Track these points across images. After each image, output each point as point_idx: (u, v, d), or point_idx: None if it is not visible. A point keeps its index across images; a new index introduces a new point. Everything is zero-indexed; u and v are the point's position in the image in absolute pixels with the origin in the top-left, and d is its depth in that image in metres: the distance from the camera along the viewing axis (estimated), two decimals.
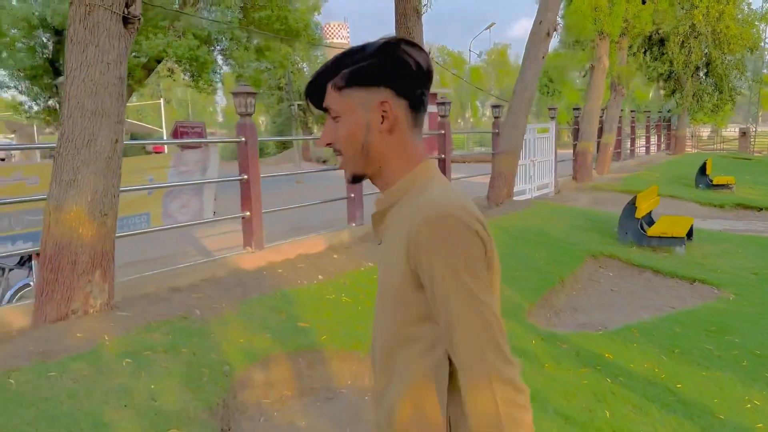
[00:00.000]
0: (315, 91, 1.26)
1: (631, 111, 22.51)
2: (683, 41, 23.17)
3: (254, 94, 6.48)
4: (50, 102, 17.25)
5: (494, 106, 11.93)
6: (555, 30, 10.30)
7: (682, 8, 21.76)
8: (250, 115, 6.40)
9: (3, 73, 17.41)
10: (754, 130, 31.99)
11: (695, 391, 4.21)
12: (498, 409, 1.05)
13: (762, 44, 24.63)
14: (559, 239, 8.12)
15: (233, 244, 8.64)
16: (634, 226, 8.17)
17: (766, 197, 13.89)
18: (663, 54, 23.55)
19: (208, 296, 4.82)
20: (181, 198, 6.18)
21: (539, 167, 13.06)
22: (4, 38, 16.98)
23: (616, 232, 8.60)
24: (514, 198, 10.88)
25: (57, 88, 16.00)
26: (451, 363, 1.13)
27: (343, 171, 1.28)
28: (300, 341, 4.20)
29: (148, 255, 7.62)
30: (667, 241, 7.93)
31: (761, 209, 12.71)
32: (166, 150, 20.09)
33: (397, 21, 7.86)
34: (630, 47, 19.22)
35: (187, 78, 17.13)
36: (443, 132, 10.38)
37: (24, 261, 5.78)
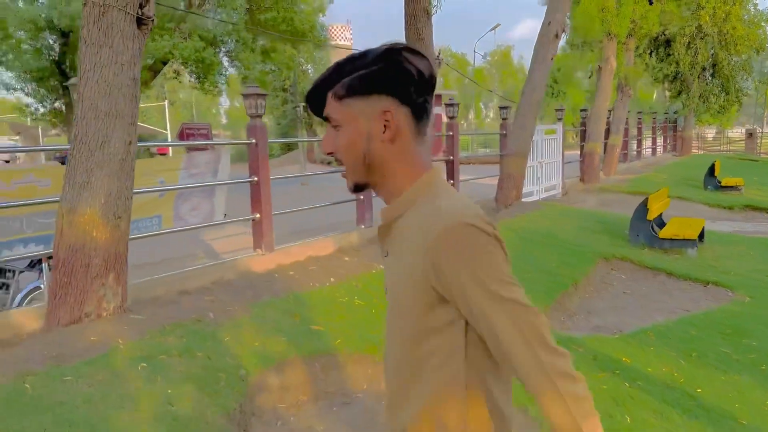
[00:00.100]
0: (315, 100, 1.23)
1: (638, 112, 22.43)
2: (689, 42, 23.08)
3: (264, 95, 6.45)
4: (56, 104, 17.28)
5: (502, 108, 11.88)
6: (563, 31, 10.25)
7: (689, 9, 21.67)
8: (260, 116, 6.36)
9: (9, 75, 17.45)
10: (760, 131, 31.87)
11: (715, 395, 4.16)
12: (569, 408, 1.04)
13: None
14: (570, 241, 8.06)
15: (241, 247, 8.61)
16: (646, 227, 8.12)
17: None
18: (669, 55, 23.47)
19: (220, 299, 4.79)
20: (192, 200, 6.14)
21: (546, 169, 13.00)
22: (9, 40, 17.01)
23: (627, 234, 8.54)
24: (522, 200, 10.83)
25: (64, 89, 16.00)
26: (466, 374, 1.12)
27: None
28: (314, 345, 4.16)
29: (156, 257, 7.58)
30: (679, 243, 7.87)
31: None
32: (170, 152, 20.10)
33: (406, 22, 7.81)
34: (636, 48, 19.14)
35: (192, 80, 17.13)
36: (451, 133, 10.34)
37: (34, 264, 5.75)
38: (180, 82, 19.72)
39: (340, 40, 31.26)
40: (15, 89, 17.90)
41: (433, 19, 7.86)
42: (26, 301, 5.55)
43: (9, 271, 5.71)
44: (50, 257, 5.32)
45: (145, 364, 3.51)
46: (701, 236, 8.30)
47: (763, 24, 23.69)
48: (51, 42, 16.75)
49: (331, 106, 1.19)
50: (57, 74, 16.78)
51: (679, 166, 20.42)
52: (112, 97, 3.95)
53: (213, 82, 16.58)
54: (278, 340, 4.12)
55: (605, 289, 6.86)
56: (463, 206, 1.11)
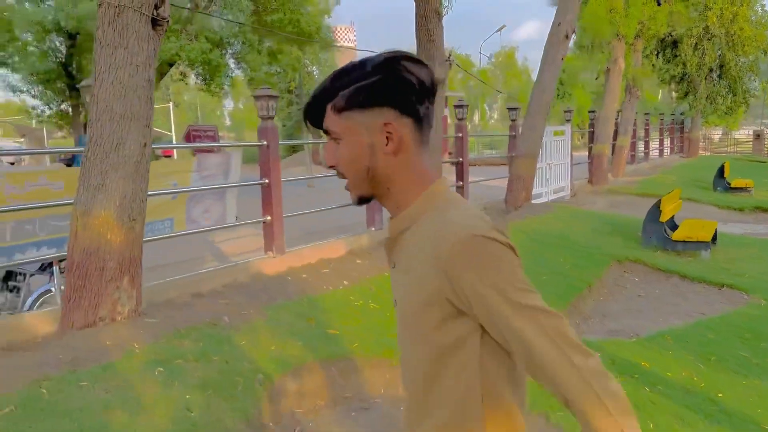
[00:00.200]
0: (314, 112, 1.18)
1: (646, 113, 22.35)
2: (696, 43, 22.99)
3: (276, 97, 6.41)
4: (63, 106, 17.30)
5: (511, 109, 11.83)
6: (573, 32, 10.19)
7: (696, 10, 21.59)
8: (272, 118, 6.32)
9: (16, 77, 17.47)
10: None
11: (736, 400, 4.10)
12: (609, 408, 1.00)
13: None
14: (583, 243, 8.00)
15: (251, 248, 8.57)
16: (659, 230, 8.05)
17: None
18: (676, 56, 23.38)
19: (234, 302, 4.74)
20: (204, 203, 6.11)
21: (555, 170, 12.94)
22: (16, 42, 17.03)
23: (639, 236, 8.48)
24: (532, 201, 10.77)
25: (71, 91, 16.01)
26: (482, 386, 1.10)
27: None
28: (331, 349, 4.11)
29: (166, 260, 7.55)
30: (693, 245, 7.81)
31: None
32: (175, 154, 20.09)
33: (417, 23, 7.77)
34: (643, 49, 19.07)
35: (199, 81, 17.13)
36: (460, 135, 10.30)
37: (45, 267, 5.72)
38: (186, 84, 19.73)
39: (344, 42, 31.25)
40: (22, 91, 17.93)
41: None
42: (37, 304, 5.51)
43: (20, 274, 5.68)
44: (61, 260, 5.29)
45: (161, 369, 3.47)
46: (714, 238, 8.23)
47: None
48: (57, 44, 16.76)
49: (331, 119, 1.15)
50: (64, 76, 16.79)
51: (687, 168, 20.33)
52: (127, 99, 3.91)
53: (219, 83, 16.59)
54: (294, 344, 4.07)
55: (619, 292, 6.80)
56: (474, 218, 1.08)
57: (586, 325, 5.70)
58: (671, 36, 22.42)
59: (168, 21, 4.09)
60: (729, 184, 14.84)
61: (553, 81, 10.30)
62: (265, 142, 6.29)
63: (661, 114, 24.83)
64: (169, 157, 18.80)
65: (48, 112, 18.07)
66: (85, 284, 3.97)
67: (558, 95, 35.67)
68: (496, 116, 74.40)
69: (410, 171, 1.15)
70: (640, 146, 21.34)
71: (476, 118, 58.71)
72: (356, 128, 1.12)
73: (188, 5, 14.97)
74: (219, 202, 6.30)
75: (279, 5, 16.10)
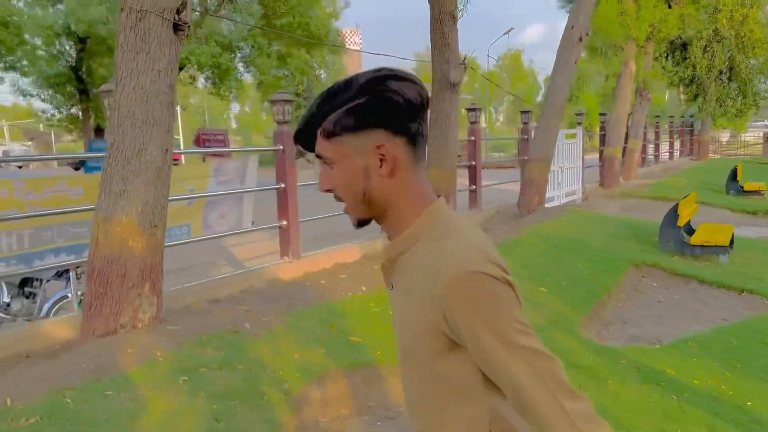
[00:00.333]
0: (306, 138, 1.15)
1: (656, 116, 22.25)
2: (706, 45, 22.87)
3: (291, 101, 6.39)
4: (73, 110, 17.34)
5: (523, 112, 11.78)
6: (587, 35, 10.13)
7: (706, 12, 21.48)
8: (288, 122, 6.30)
9: (26, 81, 17.55)
10: None
11: (766, 409, 4.03)
12: None
13: None
14: (599, 248, 7.93)
15: (264, 253, 8.55)
16: (676, 234, 7.98)
17: None
18: (686, 58, 23.26)
19: (254, 309, 4.70)
20: (220, 208, 6.07)
21: (567, 174, 12.87)
22: (25, 46, 17.10)
23: (656, 241, 8.40)
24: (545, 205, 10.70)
25: (81, 95, 16.07)
26: (489, 410, 1.08)
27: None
28: (354, 357, 4.06)
29: (180, 264, 7.52)
30: (711, 249, 7.73)
31: None
32: (183, 159, 20.08)
33: (432, 26, 7.74)
34: (653, 52, 18.98)
35: (208, 85, 17.15)
36: (473, 138, 10.25)
37: (61, 272, 5.69)
38: (195, 87, 19.77)
39: (350, 45, 31.30)
40: (32, 95, 17.99)
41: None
42: (54, 310, 5.49)
43: (36, 280, 5.66)
44: (77, 267, 5.26)
45: (186, 378, 3.43)
46: (731, 242, 8.14)
47: None
48: (67, 48, 16.82)
49: (322, 145, 1.12)
50: (74, 80, 16.84)
51: (698, 171, 20.22)
52: (149, 105, 3.88)
53: (229, 87, 16.60)
54: (317, 352, 4.02)
55: (638, 297, 6.72)
56: (471, 249, 1.03)
57: (606, 332, 5.63)
58: (680, 38, 22.31)
59: (189, 26, 4.05)
60: (742, 187, 14.73)
61: (566, 84, 10.24)
62: (281, 147, 6.25)
63: (670, 116, 24.72)
64: (176, 161, 18.81)
65: (58, 115, 18.11)
66: (107, 291, 3.93)
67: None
68: (501, 119, 74.38)
69: (407, 192, 1.12)
70: (650, 149, 21.24)
71: (482, 120, 58.70)
72: (348, 152, 1.09)
73: (198, 9, 15.00)
74: (235, 208, 6.27)
75: (288, 9, 16.10)
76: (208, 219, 5.96)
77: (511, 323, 0.99)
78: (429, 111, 7.06)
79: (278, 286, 5.66)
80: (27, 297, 5.64)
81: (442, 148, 7.94)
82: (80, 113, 17.19)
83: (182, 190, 5.54)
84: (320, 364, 3.91)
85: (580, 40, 10.02)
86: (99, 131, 18.06)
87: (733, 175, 15.06)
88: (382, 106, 1.07)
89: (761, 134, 33.93)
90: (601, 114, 15.72)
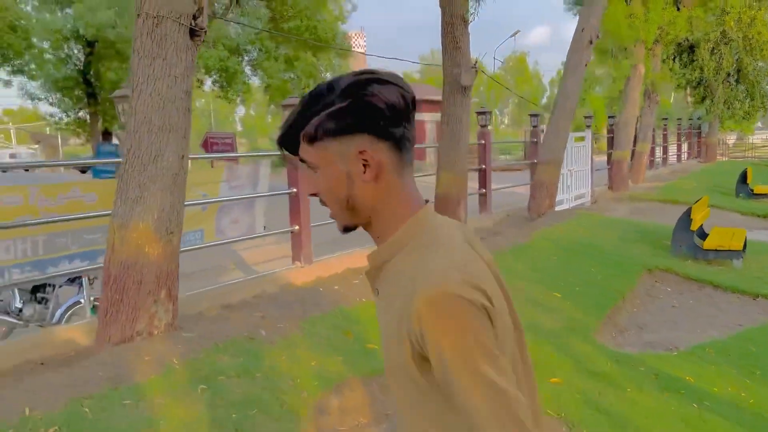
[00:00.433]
0: (289, 143, 1.12)
1: (664, 119, 22.17)
2: (713, 48, 22.76)
3: None
4: (80, 113, 17.39)
5: (532, 115, 11.74)
6: (597, 37, 10.09)
7: (713, 14, 21.39)
8: None
9: (34, 84, 17.61)
10: None
11: None
12: None
13: None
14: (611, 252, 7.88)
15: (274, 257, 8.52)
16: (689, 238, 7.92)
17: None
18: (693, 61, 23.15)
19: (269, 315, 4.67)
20: (233, 213, 6.05)
21: (576, 177, 12.82)
22: (32, 50, 17.15)
23: (667, 244, 8.35)
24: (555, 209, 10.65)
25: (88, 99, 16.12)
26: None
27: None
28: (371, 365, 4.02)
29: (191, 269, 7.50)
30: (725, 254, 7.67)
31: None
32: (189, 164, 20.06)
33: (443, 30, 7.72)
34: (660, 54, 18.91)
35: (215, 88, 17.17)
36: (483, 142, 10.22)
37: (73, 278, 5.68)
38: (202, 90, 19.80)
39: (355, 48, 31.31)
40: (39, 99, 18.04)
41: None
42: (66, 316, 5.47)
43: (48, 285, 5.64)
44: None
45: (204, 386, 3.40)
46: (743, 246, 8.08)
47: None
48: (75, 52, 16.87)
49: (305, 150, 1.09)
50: (82, 84, 16.87)
51: (707, 173, 20.13)
52: (166, 111, 3.86)
53: (236, 90, 16.60)
54: (334, 360, 3.99)
55: (651, 302, 6.67)
56: (452, 266, 0.99)
57: (622, 338, 5.59)
58: (688, 41, 22.21)
59: (205, 31, 4.04)
60: (752, 190, 14.64)
61: (576, 87, 10.20)
62: None
63: (678, 119, 24.64)
64: None
65: (66, 119, 18.15)
66: (123, 298, 3.91)
67: None
68: (507, 121, 74.33)
69: (392, 199, 1.09)
70: (659, 151, 21.16)
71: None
72: (331, 157, 1.07)
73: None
74: (247, 212, 6.25)
75: (296, 12, 16.11)
76: (221, 224, 5.94)
77: (477, 350, 0.95)
78: (441, 112, 6.97)
79: (291, 292, 5.64)
80: (39, 302, 5.62)
81: (453, 151, 7.91)
82: (88, 117, 17.24)
83: (195, 195, 5.52)
84: (337, 371, 3.88)
85: (591, 42, 9.98)
86: (107, 135, 18.12)
87: (743, 178, 14.97)
88: (364, 110, 1.04)
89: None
90: (610, 117, 15.66)
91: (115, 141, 18.78)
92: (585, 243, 8.18)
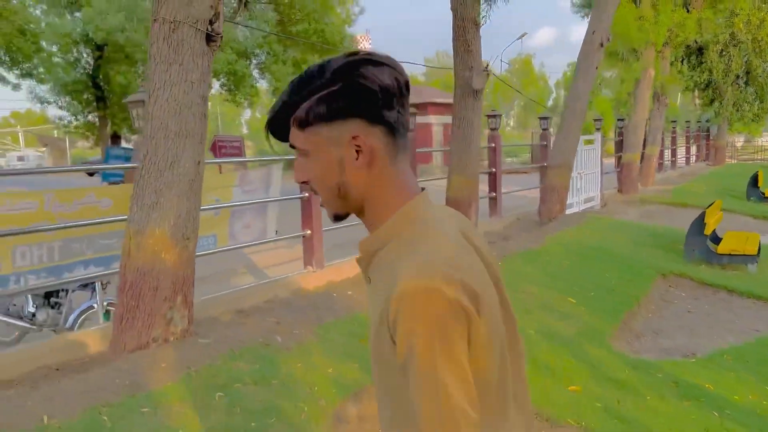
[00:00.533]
0: (277, 128, 1.07)
1: (672, 121, 22.08)
2: (722, 50, 22.66)
3: None
4: (89, 117, 17.44)
5: (542, 118, 11.70)
6: (608, 40, 10.04)
7: (723, 16, 21.29)
8: None
9: (43, 88, 17.66)
10: None
11: None
12: None
13: None
14: (624, 256, 7.83)
15: (284, 260, 8.51)
16: (703, 243, 7.86)
17: None
18: (702, 63, 23.06)
19: (284, 321, 4.65)
20: (245, 218, 6.04)
21: (585, 180, 12.76)
22: (41, 53, 17.22)
23: (680, 249, 8.29)
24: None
25: (97, 102, 16.17)
26: None
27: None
28: None
29: (201, 273, 7.49)
30: (739, 258, 7.61)
31: None
32: None
33: (454, 33, 7.70)
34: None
35: (223, 92, 17.19)
36: (493, 145, 10.18)
37: (86, 283, 5.67)
38: (210, 94, 19.84)
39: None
40: (49, 102, 18.10)
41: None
42: (80, 320, 5.46)
43: (62, 290, 5.63)
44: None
45: (221, 394, 3.38)
46: (758, 251, 8.02)
47: None
48: (85, 56, 16.92)
49: (295, 135, 1.05)
50: (91, 87, 16.92)
51: (716, 176, 20.02)
52: (182, 116, 3.84)
53: (245, 93, 16.62)
54: (351, 367, 3.96)
55: (666, 308, 6.61)
56: (438, 260, 0.95)
57: (639, 344, 5.53)
58: (696, 43, 22.12)
59: (221, 36, 4.02)
60: (763, 193, 14.54)
61: (587, 90, 10.15)
62: None
63: (687, 121, 24.54)
64: None
65: (75, 122, 18.20)
66: (139, 304, 3.90)
67: None
68: (512, 123, 74.21)
69: (385, 186, 1.05)
70: (667, 154, 21.07)
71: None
72: (322, 143, 1.03)
73: None
74: (259, 217, 6.23)
75: (304, 16, 16.13)
76: (234, 229, 5.92)
77: (441, 352, 0.91)
78: (453, 115, 6.93)
79: (304, 297, 5.62)
80: (52, 307, 5.61)
81: (464, 155, 7.89)
82: (97, 120, 17.29)
83: (208, 200, 5.50)
84: (354, 378, 3.85)
85: (602, 45, 9.93)
86: (116, 138, 18.17)
87: (754, 181, 14.87)
88: (357, 94, 1.00)
89: None
90: (619, 119, 15.60)
91: (123, 144, 18.88)
92: (597, 247, 8.12)
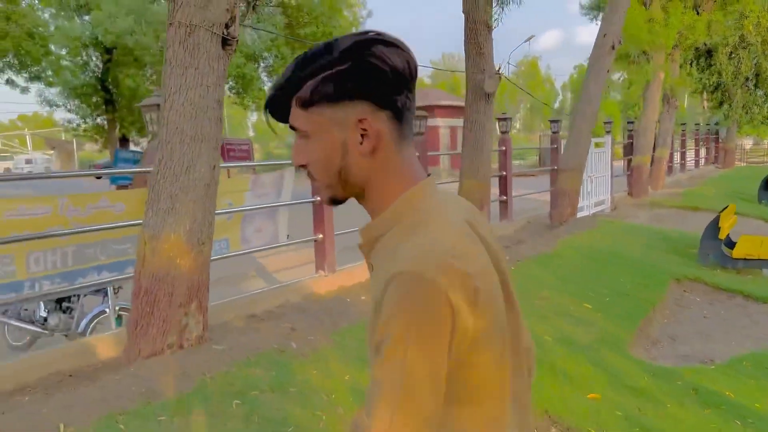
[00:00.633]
0: (277, 107, 1.03)
1: (682, 124, 21.98)
2: (732, 52, 22.57)
3: None
4: (98, 120, 17.48)
5: (553, 121, 11.64)
6: (620, 43, 9.98)
7: (732, 18, 21.20)
8: None
9: (52, 91, 17.72)
10: None
11: None
12: None
13: None
14: (638, 260, 7.76)
15: (294, 264, 8.48)
16: (717, 247, 7.78)
17: None
18: (711, 65, 22.97)
19: (298, 327, 4.61)
20: (257, 222, 6.00)
21: (596, 183, 12.69)
22: (49, 57, 17.27)
23: (692, 252, 8.21)
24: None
25: (105, 105, 16.20)
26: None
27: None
28: None
29: (210, 277, 7.46)
30: (755, 263, 7.53)
31: None
32: None
33: (466, 36, 7.65)
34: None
35: (231, 95, 17.20)
36: (504, 148, 10.13)
37: (98, 287, 5.64)
38: None
39: None
40: (58, 105, 18.14)
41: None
42: (91, 325, 5.43)
43: (73, 295, 5.61)
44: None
45: (238, 401, 3.33)
46: None
47: None
48: (93, 59, 16.96)
49: (297, 115, 1.00)
50: (100, 90, 16.95)
51: (726, 179, 19.90)
52: (198, 120, 3.81)
53: (253, 97, 16.62)
54: (367, 374, 3.90)
55: (682, 313, 6.54)
56: (434, 247, 0.91)
57: (656, 350, 5.46)
58: (705, 45, 22.04)
59: (237, 40, 3.99)
60: None
61: (598, 93, 10.09)
62: None
63: (696, 124, 24.43)
64: None
65: (83, 125, 18.24)
66: (153, 310, 3.86)
67: None
68: (518, 126, 74.10)
69: (389, 172, 1.01)
70: (676, 157, 20.97)
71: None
72: (326, 125, 0.98)
73: None
74: (271, 221, 6.20)
75: (312, 19, 16.13)
76: (245, 233, 5.89)
77: (416, 342, 0.87)
78: (464, 118, 6.88)
79: (317, 302, 5.58)
80: (64, 312, 5.59)
81: (476, 158, 7.84)
82: (106, 123, 17.33)
83: (221, 204, 5.47)
84: None
85: (613, 48, 9.88)
86: (124, 141, 18.21)
87: (766, 184, 14.76)
88: (367, 74, 0.95)
89: None
90: (629, 122, 15.52)
91: (132, 147, 18.91)
92: (610, 251, 8.06)
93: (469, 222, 1.01)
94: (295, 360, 3.98)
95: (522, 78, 61.35)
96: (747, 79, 23.50)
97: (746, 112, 24.00)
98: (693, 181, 18.90)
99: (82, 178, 24.00)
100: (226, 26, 3.86)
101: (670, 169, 19.14)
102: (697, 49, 22.05)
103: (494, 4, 8.10)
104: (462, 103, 8.43)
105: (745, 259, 7.62)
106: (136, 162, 14.54)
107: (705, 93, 24.90)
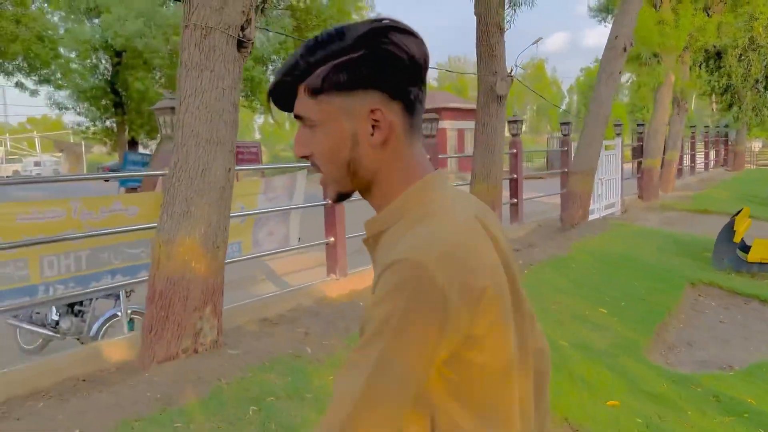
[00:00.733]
0: (281, 94, 0.97)
1: (692, 126, 21.86)
2: (741, 54, 22.41)
3: None
4: (107, 123, 17.51)
5: (563, 123, 11.57)
6: (631, 45, 9.91)
7: (742, 20, 21.07)
8: None
9: (62, 94, 17.77)
10: None
11: None
12: None
13: None
14: (651, 264, 7.68)
15: (304, 267, 8.45)
16: (732, 251, 7.70)
17: None
18: (720, 67, 22.82)
19: (312, 331, 4.57)
20: (269, 225, 5.97)
21: (606, 186, 12.60)
22: (59, 60, 17.33)
23: (706, 256, 8.13)
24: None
25: (115, 108, 16.23)
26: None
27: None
28: None
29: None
30: None
31: None
32: None
33: (478, 38, 7.61)
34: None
35: (240, 97, 17.25)
36: (515, 151, 10.08)
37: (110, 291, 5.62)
38: None
39: None
40: (67, 108, 18.20)
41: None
42: (103, 329, 5.41)
43: (85, 298, 5.59)
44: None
45: (255, 408, 3.29)
46: None
47: None
48: (103, 62, 17.01)
49: (304, 103, 0.94)
50: (109, 93, 16.99)
51: (737, 182, 19.77)
52: (213, 123, 3.78)
53: (261, 99, 16.62)
54: None
55: (698, 318, 6.46)
56: (437, 239, 0.87)
57: (673, 355, 5.39)
58: (715, 47, 21.90)
59: (252, 43, 3.95)
60: None
61: (610, 95, 10.02)
62: None
63: (706, 126, 24.30)
64: None
65: (93, 128, 18.28)
66: (168, 315, 3.83)
67: None
68: (524, 128, 73.99)
69: (398, 165, 0.96)
70: (686, 160, 20.86)
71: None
72: (335, 114, 0.93)
73: None
74: (282, 224, 6.16)
75: (320, 21, 16.12)
76: (257, 236, 5.86)
77: (397, 333, 0.81)
78: (476, 121, 6.82)
79: (329, 305, 5.54)
80: (76, 315, 5.57)
81: (488, 161, 7.79)
82: (115, 126, 17.36)
83: (234, 207, 5.44)
84: None
85: (625, 50, 9.81)
86: (133, 144, 18.24)
87: None
88: (383, 62, 0.91)
89: None
90: (639, 125, 15.43)
91: (141, 150, 18.94)
92: (623, 255, 7.98)
93: (479, 219, 0.96)
94: (310, 365, 3.93)
95: (528, 80, 61.27)
96: (757, 81, 23.31)
97: (756, 114, 23.82)
98: (703, 184, 18.79)
99: (90, 180, 24.10)
100: (242, 28, 3.83)
101: (679, 171, 19.03)
102: (706, 51, 21.91)
103: (506, 6, 8.06)
104: (469, 106, 8.39)
105: (760, 263, 7.53)
106: (144, 165, 14.55)
107: (714, 95, 24.76)
